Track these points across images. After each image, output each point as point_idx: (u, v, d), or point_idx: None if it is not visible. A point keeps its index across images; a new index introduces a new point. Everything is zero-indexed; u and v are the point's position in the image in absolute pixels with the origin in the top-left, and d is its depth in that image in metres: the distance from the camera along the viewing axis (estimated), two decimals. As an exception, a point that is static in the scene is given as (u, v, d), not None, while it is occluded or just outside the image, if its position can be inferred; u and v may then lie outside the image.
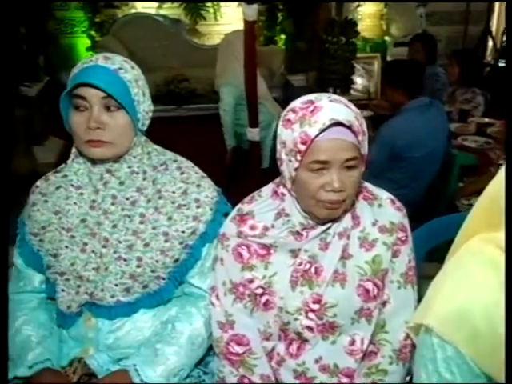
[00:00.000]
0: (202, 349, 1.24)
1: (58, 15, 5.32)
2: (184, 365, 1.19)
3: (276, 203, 1.17)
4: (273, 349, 1.18)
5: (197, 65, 5.25)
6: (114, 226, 1.19)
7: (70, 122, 1.15)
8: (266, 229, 1.16)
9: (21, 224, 1.30)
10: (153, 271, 1.20)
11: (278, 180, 1.20)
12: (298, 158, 1.03)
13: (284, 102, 3.88)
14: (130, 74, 1.16)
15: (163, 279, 1.21)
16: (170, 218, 1.21)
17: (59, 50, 5.22)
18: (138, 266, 1.19)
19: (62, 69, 5.33)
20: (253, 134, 2.83)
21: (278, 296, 1.14)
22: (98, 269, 1.19)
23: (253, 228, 1.17)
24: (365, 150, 1.07)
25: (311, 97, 1.07)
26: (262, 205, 1.18)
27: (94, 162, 1.20)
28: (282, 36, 5.51)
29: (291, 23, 4.64)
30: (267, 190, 1.21)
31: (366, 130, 1.07)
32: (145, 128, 1.24)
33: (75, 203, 1.22)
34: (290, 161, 1.06)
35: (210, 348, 1.26)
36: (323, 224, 1.12)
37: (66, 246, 1.21)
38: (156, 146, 1.29)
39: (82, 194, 1.22)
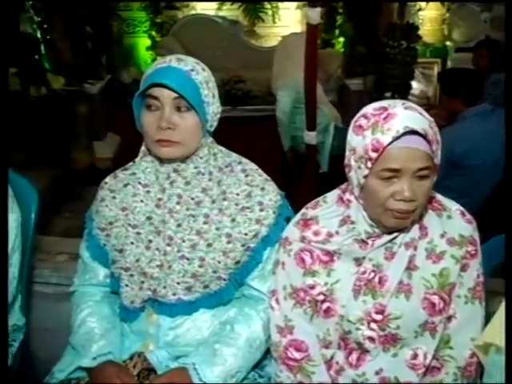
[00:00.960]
0: (260, 352, 1.23)
1: (122, 15, 5.47)
2: (241, 367, 1.20)
3: (341, 210, 1.15)
4: (332, 357, 1.16)
5: (253, 66, 5.27)
6: (179, 225, 1.21)
7: (142, 121, 1.18)
8: (329, 235, 1.14)
9: (88, 219, 1.34)
10: (214, 272, 1.20)
11: (343, 186, 1.18)
12: (369, 165, 1.01)
13: (339, 106, 3.86)
14: (201, 75, 1.18)
15: (224, 280, 1.22)
16: (233, 220, 1.21)
17: (121, 50, 5.37)
18: (200, 266, 1.20)
19: (123, 67, 5.50)
20: (310, 137, 2.82)
21: (340, 304, 1.13)
22: (161, 266, 1.21)
23: (316, 234, 1.15)
24: (438, 159, 1.04)
25: (384, 103, 1.05)
26: (327, 211, 1.17)
27: (161, 161, 1.22)
28: (340, 39, 5.46)
29: (351, 27, 4.58)
30: (332, 195, 1.20)
31: (439, 138, 1.04)
32: (212, 129, 1.25)
33: (142, 201, 1.24)
34: (360, 168, 1.04)
35: (267, 351, 1.25)
36: (390, 233, 1.10)
37: (132, 243, 1.23)
38: (221, 148, 1.30)
39: (148, 192, 1.24)
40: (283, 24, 6.16)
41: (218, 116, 1.25)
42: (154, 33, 5.69)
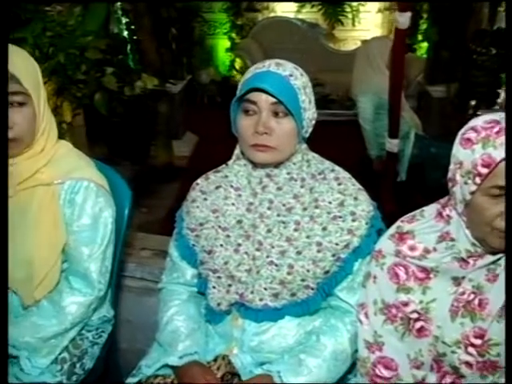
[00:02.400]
0: (345, 365, 1.20)
1: (205, 17, 5.58)
2: (326, 379, 1.17)
3: (440, 225, 1.10)
4: (423, 379, 1.11)
5: (332, 70, 5.22)
6: (269, 231, 1.20)
7: (238, 126, 1.18)
8: (427, 251, 1.09)
9: (179, 218, 1.35)
10: (302, 280, 1.18)
11: (443, 201, 1.13)
12: (477, 181, 0.96)
13: (419, 113, 3.73)
14: (300, 80, 1.16)
15: (312, 289, 1.20)
16: (324, 229, 1.19)
17: (201, 51, 5.48)
18: (289, 273, 1.18)
19: (202, 68, 5.62)
20: (392, 144, 2.75)
21: (435, 324, 1.07)
22: (249, 271, 1.20)
23: (412, 249, 1.11)
24: None
25: (496, 116, 0.99)
26: (424, 225, 1.12)
27: (254, 165, 1.21)
28: (423, 44, 5.30)
29: (436, 31, 4.42)
30: (430, 210, 1.15)
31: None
32: (307, 135, 1.23)
33: (233, 204, 1.25)
34: (466, 183, 0.98)
35: (352, 365, 1.22)
36: (494, 254, 1.03)
37: (221, 245, 1.24)
38: (315, 154, 1.28)
39: (240, 195, 1.24)
40: (363, 28, 6.05)
41: (314, 122, 1.23)
42: (233, 35, 5.77)
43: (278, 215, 1.20)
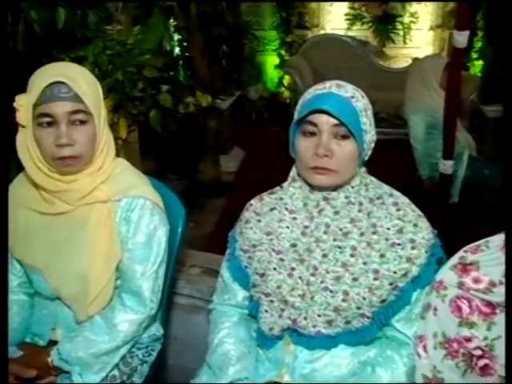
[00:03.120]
0: (401, 400, 1.15)
1: (255, 34, 5.64)
2: None
3: (507, 257, 1.04)
4: (486, 420, 1.05)
5: (381, 88, 5.14)
6: (325, 256, 1.17)
7: (297, 147, 1.16)
8: (492, 284, 1.03)
9: (232, 239, 1.34)
10: (358, 308, 1.14)
11: (510, 231, 1.07)
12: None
13: (473, 133, 3.62)
14: (361, 102, 1.14)
15: (367, 318, 1.15)
16: (382, 256, 1.15)
17: (251, 67, 5.52)
18: (344, 300, 1.14)
19: (251, 84, 5.66)
20: (446, 166, 2.66)
21: (500, 363, 1.01)
22: (303, 296, 1.17)
23: (477, 281, 1.05)
24: None
25: None
26: (490, 257, 1.06)
27: (311, 187, 1.19)
28: (477, 62, 5.16)
29: (492, 50, 4.31)
30: (497, 240, 1.09)
31: None
32: (366, 158, 1.20)
33: (288, 227, 1.22)
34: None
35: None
36: None
37: (274, 268, 1.21)
38: (373, 178, 1.25)
39: (295, 218, 1.22)
40: (414, 45, 5.97)
41: (373, 145, 1.20)
42: (283, 52, 5.80)
43: (335, 240, 1.17)
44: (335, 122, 1.10)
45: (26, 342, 1.33)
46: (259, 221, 1.28)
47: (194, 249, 2.06)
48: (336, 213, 1.18)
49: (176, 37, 4.50)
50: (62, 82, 1.18)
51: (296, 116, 1.16)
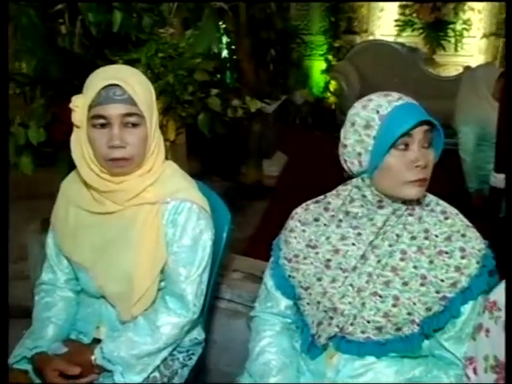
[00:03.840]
0: (448, 422, 1.11)
1: (304, 39, 5.62)
2: None
3: None
4: None
5: (430, 96, 5.01)
6: (378, 262, 1.14)
7: (387, 163, 1.09)
8: None
9: (276, 247, 1.32)
10: (409, 314, 1.10)
11: None
12: None
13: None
14: None
15: (417, 325, 1.11)
16: (431, 262, 1.11)
17: (297, 72, 5.51)
18: (394, 306, 1.11)
19: (296, 89, 5.64)
20: (497, 179, 2.58)
21: (557, 392, 0.96)
22: (353, 303, 1.14)
23: (534, 305, 1.00)
24: None
25: None
26: None
27: (380, 201, 1.14)
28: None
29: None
30: (556, 263, 1.04)
31: None
32: None
33: (353, 244, 1.18)
34: None
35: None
36: None
37: (319, 279, 1.19)
38: None
39: (360, 234, 1.18)
40: (466, 53, 5.81)
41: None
42: (330, 57, 5.75)
43: (390, 245, 1.14)
44: (426, 128, 1.08)
45: (71, 339, 1.35)
46: (303, 231, 1.26)
47: (234, 251, 2.06)
48: (391, 220, 1.15)
49: (224, 39, 4.54)
50: (117, 85, 1.19)
51: (382, 133, 1.08)
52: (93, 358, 1.25)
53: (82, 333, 1.37)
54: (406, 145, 1.08)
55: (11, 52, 1.97)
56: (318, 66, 5.94)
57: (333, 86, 5.73)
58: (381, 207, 1.14)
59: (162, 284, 1.31)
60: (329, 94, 5.91)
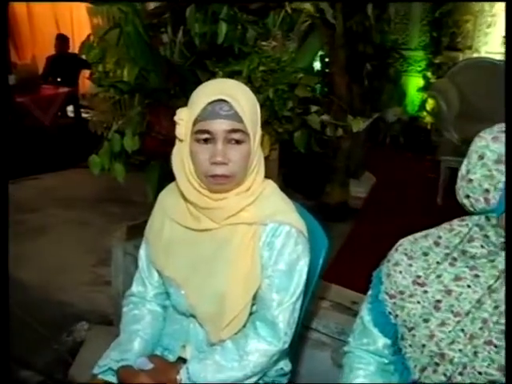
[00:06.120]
0: None
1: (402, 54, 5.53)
2: None
3: None
4: None
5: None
6: (496, 307, 1.07)
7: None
8: None
9: (376, 279, 1.28)
10: None
11: None
12: None
13: None
14: None
15: None
16: None
17: (392, 88, 5.41)
18: None
19: (389, 106, 5.53)
20: None
21: None
22: (463, 350, 1.08)
23: None
24: None
25: None
26: None
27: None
28: None
29: None
30: None
31: None
32: None
33: (469, 286, 1.12)
34: None
35: None
36: None
37: (426, 320, 1.14)
38: None
39: (477, 276, 1.11)
40: None
41: None
42: (429, 73, 5.59)
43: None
44: None
45: (157, 355, 1.38)
46: (410, 265, 1.21)
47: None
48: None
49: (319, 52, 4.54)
50: (224, 100, 1.21)
51: None
52: (178, 377, 1.26)
53: (167, 349, 1.40)
54: None
55: (114, 60, 2.08)
56: (414, 83, 5.79)
57: (430, 104, 5.57)
58: (504, 249, 1.08)
59: (254, 308, 1.31)
60: (424, 113, 5.75)
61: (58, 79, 6.43)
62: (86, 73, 5.74)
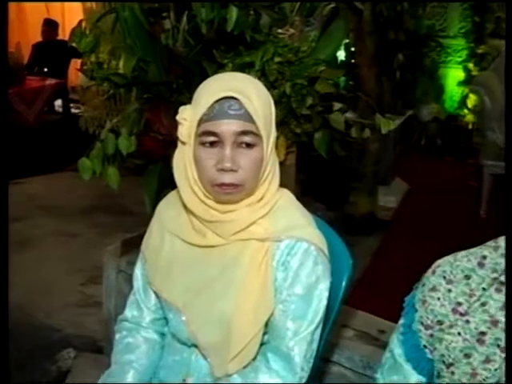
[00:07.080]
0: None
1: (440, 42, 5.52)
2: None
3: None
4: None
5: None
6: None
7: None
8: None
9: (409, 306, 1.27)
10: None
11: None
12: None
13: None
14: None
15: None
16: None
17: (428, 82, 5.39)
18: None
19: (424, 102, 5.51)
20: None
21: None
22: None
23: None
24: None
25: None
26: None
27: None
28: None
29: None
30: None
31: None
32: None
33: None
34: None
35: None
36: None
37: (467, 355, 1.12)
38: None
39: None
40: None
41: None
42: (470, 65, 5.58)
43: None
44: None
45: (153, 389, 1.38)
46: (449, 290, 1.20)
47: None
48: None
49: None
50: (234, 98, 1.21)
51: None
52: (177, 417, 1.26)
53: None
54: None
55: (108, 49, 2.10)
56: (453, 76, 5.78)
57: (471, 101, 5.55)
58: None
59: (266, 338, 1.30)
60: (465, 111, 5.73)
61: (45, 69, 6.50)
62: (76, 63, 5.78)
